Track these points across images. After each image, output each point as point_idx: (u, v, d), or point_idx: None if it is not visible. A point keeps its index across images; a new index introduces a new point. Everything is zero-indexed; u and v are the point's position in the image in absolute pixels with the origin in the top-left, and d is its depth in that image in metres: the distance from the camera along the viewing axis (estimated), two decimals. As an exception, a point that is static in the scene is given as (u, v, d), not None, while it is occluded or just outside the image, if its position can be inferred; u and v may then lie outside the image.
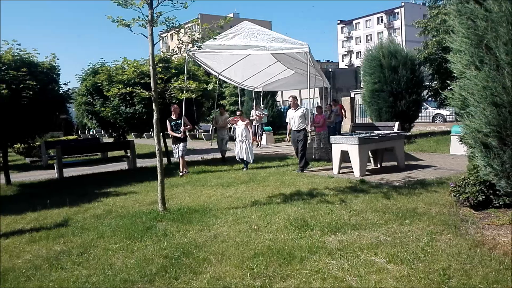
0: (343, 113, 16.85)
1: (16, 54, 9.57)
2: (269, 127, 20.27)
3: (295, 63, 12.85)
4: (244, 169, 10.49)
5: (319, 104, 14.59)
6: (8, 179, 10.61)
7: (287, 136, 10.82)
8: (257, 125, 18.12)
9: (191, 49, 9.64)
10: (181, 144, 10.33)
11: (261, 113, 18.41)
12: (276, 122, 23.56)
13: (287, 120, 10.29)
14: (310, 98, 12.78)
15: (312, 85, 15.67)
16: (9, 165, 11.07)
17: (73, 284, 3.82)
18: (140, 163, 13.15)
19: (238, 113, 11.13)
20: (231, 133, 15.08)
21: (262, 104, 20.52)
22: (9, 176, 10.67)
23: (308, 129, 9.84)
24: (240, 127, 10.80)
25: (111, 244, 4.96)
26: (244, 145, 10.58)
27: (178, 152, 10.36)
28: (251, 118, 17.66)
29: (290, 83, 16.75)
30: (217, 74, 13.73)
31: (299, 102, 20.88)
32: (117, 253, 4.64)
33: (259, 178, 9.02)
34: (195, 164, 12.09)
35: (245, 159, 10.56)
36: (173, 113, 10.32)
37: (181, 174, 10.29)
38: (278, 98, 30.84)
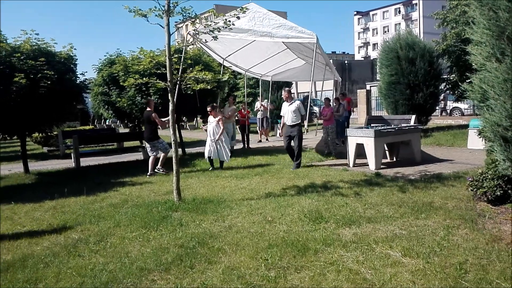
0: (351, 108, 16.47)
1: (34, 44, 9.68)
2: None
3: (306, 51, 12.18)
4: (212, 169, 9.60)
5: (335, 97, 14.02)
6: (27, 167, 10.81)
7: (280, 130, 10.41)
8: (262, 118, 17.28)
9: (194, 30, 9.08)
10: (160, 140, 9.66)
11: (266, 104, 17.65)
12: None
13: (281, 114, 9.68)
14: (312, 91, 12.55)
15: (321, 77, 15.45)
16: (27, 154, 11.27)
17: (90, 272, 3.89)
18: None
19: (208, 108, 9.71)
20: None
21: (272, 95, 20.13)
22: (27, 165, 10.87)
23: (304, 123, 9.33)
24: (211, 124, 9.68)
25: (127, 232, 5.03)
26: (218, 144, 9.50)
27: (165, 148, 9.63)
28: (255, 109, 16.92)
29: (302, 74, 16.10)
30: (221, 60, 12.95)
31: (314, 96, 20.84)
32: (133, 241, 4.71)
33: (273, 170, 9.03)
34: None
35: (220, 159, 9.61)
36: (148, 107, 9.71)
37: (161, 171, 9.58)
38: (293, 89, 30.72)
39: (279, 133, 9.91)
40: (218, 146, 9.49)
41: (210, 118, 9.72)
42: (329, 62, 13.87)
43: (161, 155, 9.63)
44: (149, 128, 9.57)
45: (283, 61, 14.82)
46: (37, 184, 9.39)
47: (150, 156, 9.59)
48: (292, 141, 9.31)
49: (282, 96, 9.77)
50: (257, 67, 15.21)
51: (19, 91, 8.81)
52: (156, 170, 9.51)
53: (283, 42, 11.23)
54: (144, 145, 10.67)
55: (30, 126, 10.14)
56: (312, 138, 15.47)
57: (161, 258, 4.09)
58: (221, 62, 13.13)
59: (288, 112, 9.23)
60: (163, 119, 9.36)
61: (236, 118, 13.64)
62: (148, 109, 9.69)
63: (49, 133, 11.91)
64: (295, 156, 9.23)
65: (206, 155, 9.71)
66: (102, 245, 4.64)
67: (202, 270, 3.80)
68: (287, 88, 9.70)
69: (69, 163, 12.36)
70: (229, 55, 12.89)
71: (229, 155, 9.84)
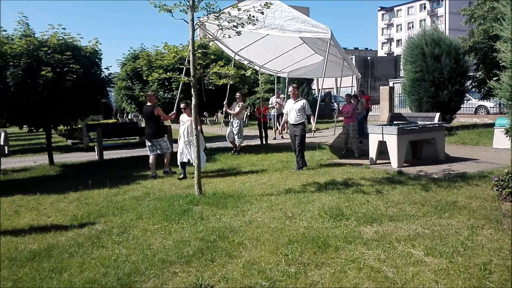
0: (369, 106, 16.11)
1: (61, 38, 9.88)
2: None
3: (323, 46, 11.46)
4: (183, 177, 8.34)
5: (354, 94, 13.34)
6: (51, 159, 11.07)
7: (279, 128, 9.69)
8: (278, 114, 16.59)
9: (203, 20, 8.74)
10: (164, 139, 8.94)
11: (281, 101, 16.95)
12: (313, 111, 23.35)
13: (284, 111, 9.12)
14: (321, 88, 12.26)
15: (340, 73, 15.19)
16: (52, 147, 11.53)
17: (113, 262, 3.97)
18: (176, 147, 13.34)
19: (182, 105, 8.51)
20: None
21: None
22: (52, 157, 11.14)
23: (312, 123, 8.81)
24: (184, 124, 8.49)
25: (150, 225, 5.10)
26: (192, 147, 7.99)
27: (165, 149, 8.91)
28: (269, 105, 16.24)
29: (320, 70, 15.07)
30: (232, 53, 12.34)
31: (335, 92, 20.65)
32: (155, 234, 4.77)
33: (293, 166, 9.00)
34: (230, 150, 12.16)
35: (194, 164, 7.36)
36: (148, 102, 8.95)
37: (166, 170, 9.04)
38: (314, 86, 30.49)
39: (279, 131, 9.04)
40: (193, 149, 7.77)
41: (183, 117, 8.52)
42: (347, 58, 13.52)
43: (166, 155, 8.97)
44: (153, 125, 8.72)
45: (300, 57, 14.20)
46: (62, 175, 9.60)
47: (150, 156, 8.77)
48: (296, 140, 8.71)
49: (289, 92, 9.08)
50: (273, 63, 14.57)
51: (45, 84, 9.03)
52: (165, 173, 8.95)
53: (299, 36, 10.60)
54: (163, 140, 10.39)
55: (56, 119, 10.36)
56: (330, 135, 15.37)
57: (183, 251, 4.14)
58: (233, 56, 12.57)
59: (292, 110, 8.66)
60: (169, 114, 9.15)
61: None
62: (148, 103, 8.94)
63: (73, 126, 12.16)
64: (296, 156, 8.70)
65: (179, 160, 8.48)
66: (124, 237, 4.72)
67: (223, 263, 3.83)
68: (294, 85, 9.13)
69: (93, 156, 12.60)
70: (241, 49, 12.25)
71: (205, 159, 8.75)
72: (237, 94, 11.69)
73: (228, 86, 9.95)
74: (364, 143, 11.68)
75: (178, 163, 8.51)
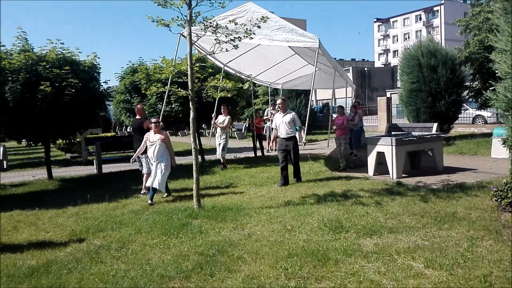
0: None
1: (59, 52, 9.94)
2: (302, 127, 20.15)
3: (313, 56, 10.97)
4: (151, 203, 7.19)
5: (352, 105, 12.82)
6: (50, 173, 11.05)
7: (271, 143, 9.07)
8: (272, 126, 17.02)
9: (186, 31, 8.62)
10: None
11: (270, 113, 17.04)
12: (310, 123, 23.43)
13: (273, 126, 8.76)
14: (311, 99, 12.14)
15: (330, 85, 15.07)
16: (51, 161, 11.52)
17: (112, 278, 3.94)
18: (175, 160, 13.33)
19: (153, 120, 7.54)
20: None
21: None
22: (51, 171, 11.12)
23: (303, 136, 8.63)
24: (153, 144, 7.33)
25: (148, 239, 5.08)
26: (159, 169, 7.29)
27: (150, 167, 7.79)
28: (265, 117, 15.72)
29: (315, 81, 15.29)
30: (222, 65, 11.95)
31: (333, 103, 20.69)
32: (154, 248, 4.75)
33: (291, 178, 8.99)
34: (229, 162, 12.17)
35: (157, 187, 7.26)
36: (137, 114, 8.71)
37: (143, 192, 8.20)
38: (312, 97, 30.67)
39: (270, 147, 8.05)
40: (160, 171, 7.29)
41: (151, 136, 7.43)
42: (338, 67, 13.40)
43: (145, 175, 8.12)
44: (142, 139, 7.86)
45: (293, 68, 13.92)
46: (60, 190, 9.58)
47: (143, 172, 8.20)
48: (289, 155, 8.42)
49: (277, 105, 8.69)
50: (265, 75, 14.19)
51: (44, 99, 9.06)
52: (141, 194, 8.17)
53: (289, 46, 10.23)
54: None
55: (54, 133, 10.37)
56: (325, 147, 15.37)
57: (182, 266, 4.12)
58: (222, 68, 12.23)
59: (282, 123, 8.36)
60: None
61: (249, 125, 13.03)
62: (137, 116, 8.71)
63: (72, 140, 12.15)
64: (294, 171, 8.51)
65: (150, 183, 7.37)
66: (123, 252, 4.70)
67: (222, 278, 3.81)
68: (282, 97, 8.87)
69: (91, 170, 12.58)
70: (230, 61, 11.92)
71: (165, 185, 7.70)
72: (223, 106, 11.20)
73: (217, 99, 9.78)
74: (362, 155, 11.69)
75: (146, 187, 7.66)
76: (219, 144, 11.19)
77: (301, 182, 8.49)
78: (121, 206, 7.20)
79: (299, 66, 13.58)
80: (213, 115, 11.55)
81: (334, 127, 10.54)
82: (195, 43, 9.60)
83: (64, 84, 9.35)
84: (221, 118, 11.21)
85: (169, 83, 9.69)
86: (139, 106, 8.90)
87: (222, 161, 11.32)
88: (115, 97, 15.64)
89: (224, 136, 11.16)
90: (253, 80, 14.67)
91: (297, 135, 8.61)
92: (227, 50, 6.52)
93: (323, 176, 9.08)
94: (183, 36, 8.92)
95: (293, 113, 8.51)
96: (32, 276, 4.13)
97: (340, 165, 10.12)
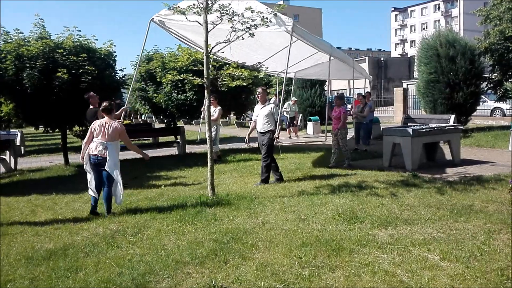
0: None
1: (76, 40, 10.02)
2: (317, 117, 20.10)
3: (318, 43, 10.50)
4: (93, 212, 5.85)
5: (362, 95, 12.32)
6: (67, 160, 11.22)
7: (247, 136, 8.16)
8: (290, 116, 16.88)
9: (158, 16, 8.14)
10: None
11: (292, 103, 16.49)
12: (323, 113, 23.30)
13: (253, 118, 8.09)
14: (327, 89, 11.84)
15: (346, 76, 14.72)
16: (67, 147, 11.68)
17: (128, 262, 4.00)
18: (189, 148, 13.44)
19: (104, 104, 5.92)
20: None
21: (294, 97, 19.58)
22: (67, 157, 11.29)
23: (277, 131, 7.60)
24: (99, 143, 5.70)
25: (163, 225, 5.13)
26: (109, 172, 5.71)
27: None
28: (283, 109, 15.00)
29: (328, 71, 14.21)
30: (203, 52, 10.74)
31: (347, 93, 20.48)
32: (169, 234, 4.80)
33: (305, 168, 8.98)
34: (242, 151, 12.18)
35: (114, 198, 5.90)
36: (91, 104, 7.98)
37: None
38: (326, 87, 30.39)
39: (246, 140, 7.24)
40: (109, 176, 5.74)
41: (99, 127, 5.76)
42: (344, 58, 12.92)
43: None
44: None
45: (302, 56, 12.77)
46: (77, 176, 9.70)
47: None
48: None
49: (257, 96, 7.97)
50: (268, 64, 12.34)
51: (61, 85, 9.17)
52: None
53: (287, 31, 8.29)
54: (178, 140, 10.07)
55: (71, 120, 10.49)
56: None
57: (196, 252, 4.15)
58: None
59: (259, 116, 7.65)
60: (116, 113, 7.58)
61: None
62: (91, 107, 8.06)
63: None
64: (262, 168, 7.63)
65: (93, 192, 5.86)
66: (139, 237, 4.76)
67: (236, 265, 3.83)
68: (263, 87, 8.10)
69: (107, 156, 12.68)
70: (218, 51, 10.51)
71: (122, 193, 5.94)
72: (211, 97, 9.26)
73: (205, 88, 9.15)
74: (374, 146, 11.60)
75: (91, 196, 5.94)
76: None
77: (267, 184, 7.49)
78: (136, 193, 7.28)
79: (309, 53, 12.63)
80: (202, 109, 10.67)
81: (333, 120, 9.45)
82: (170, 29, 9.28)
83: (81, 71, 9.44)
84: (211, 109, 10.35)
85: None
86: (91, 94, 8.15)
87: (214, 156, 10.11)
88: (130, 85, 15.75)
89: (215, 128, 10.05)
90: (260, 69, 14.18)
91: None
92: (242, 38, 6.48)
93: (336, 166, 9.00)
94: (154, 22, 8.70)
95: (273, 105, 7.73)
96: (50, 259, 4.20)
97: (330, 161, 9.27)
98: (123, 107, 8.80)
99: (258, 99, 7.86)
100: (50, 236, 4.98)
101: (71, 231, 5.14)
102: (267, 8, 7.00)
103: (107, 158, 5.62)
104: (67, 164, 11.08)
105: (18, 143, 14.52)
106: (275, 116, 7.62)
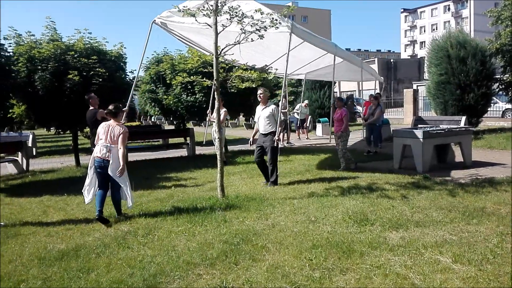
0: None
1: (87, 42, 10.12)
2: (325, 119, 20.02)
3: (325, 45, 10.22)
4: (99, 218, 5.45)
5: (373, 96, 12.06)
6: (78, 161, 11.32)
7: (251, 138, 8.02)
8: (300, 118, 16.94)
9: (160, 18, 8.15)
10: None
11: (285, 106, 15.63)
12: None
13: (255, 119, 8.05)
14: (336, 91, 11.76)
15: (356, 77, 14.54)
16: (78, 148, 11.78)
17: (139, 263, 4.02)
18: (199, 150, 13.48)
19: (110, 107, 5.73)
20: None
21: (306, 100, 19.38)
22: (78, 159, 11.40)
23: (279, 132, 7.55)
24: (102, 146, 5.56)
25: (174, 227, 5.15)
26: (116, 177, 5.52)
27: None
28: (282, 110, 14.30)
29: (340, 72, 14.23)
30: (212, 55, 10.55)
31: (357, 94, 20.37)
32: (179, 235, 4.81)
33: (315, 170, 8.96)
34: (251, 153, 12.15)
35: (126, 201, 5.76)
36: (91, 105, 7.87)
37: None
38: (336, 89, 30.29)
39: (250, 142, 7.09)
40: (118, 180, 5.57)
41: (103, 130, 5.64)
42: (351, 58, 12.79)
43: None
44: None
45: (310, 58, 12.58)
46: (88, 177, 9.78)
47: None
48: (265, 153, 7.62)
49: (258, 96, 7.88)
50: (275, 66, 11.22)
51: (72, 87, 9.26)
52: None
53: (293, 33, 8.13)
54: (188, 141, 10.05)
55: (82, 121, 10.57)
56: (354, 138, 15.24)
57: (207, 253, 4.16)
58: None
59: (261, 117, 7.62)
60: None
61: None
62: (90, 108, 7.92)
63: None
64: (270, 171, 7.56)
65: (91, 197, 5.71)
66: (149, 238, 4.78)
67: (247, 267, 3.84)
68: (264, 88, 7.92)
69: (117, 158, 12.76)
70: (225, 52, 10.26)
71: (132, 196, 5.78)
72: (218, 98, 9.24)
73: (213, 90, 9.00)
74: (384, 148, 11.55)
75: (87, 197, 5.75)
76: (215, 138, 10.33)
77: (276, 185, 7.47)
78: (146, 194, 7.32)
79: (319, 54, 12.23)
80: (208, 111, 10.61)
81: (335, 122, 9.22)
82: (173, 31, 9.17)
83: (92, 73, 9.53)
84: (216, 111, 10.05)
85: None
86: (91, 94, 8.04)
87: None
88: (140, 87, 15.83)
89: (222, 130, 9.39)
90: (269, 71, 13.98)
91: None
92: (252, 40, 6.49)
93: (347, 168, 8.97)
94: (156, 24, 8.62)
95: (274, 106, 7.68)
96: (62, 259, 4.24)
97: (341, 165, 9.09)
98: (124, 108, 8.66)
99: (259, 100, 7.80)
100: (62, 237, 5.03)
101: (82, 232, 5.19)
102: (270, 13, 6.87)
103: (110, 161, 5.48)
104: (78, 166, 11.18)
105: (30, 144, 14.68)
106: (276, 117, 7.56)
